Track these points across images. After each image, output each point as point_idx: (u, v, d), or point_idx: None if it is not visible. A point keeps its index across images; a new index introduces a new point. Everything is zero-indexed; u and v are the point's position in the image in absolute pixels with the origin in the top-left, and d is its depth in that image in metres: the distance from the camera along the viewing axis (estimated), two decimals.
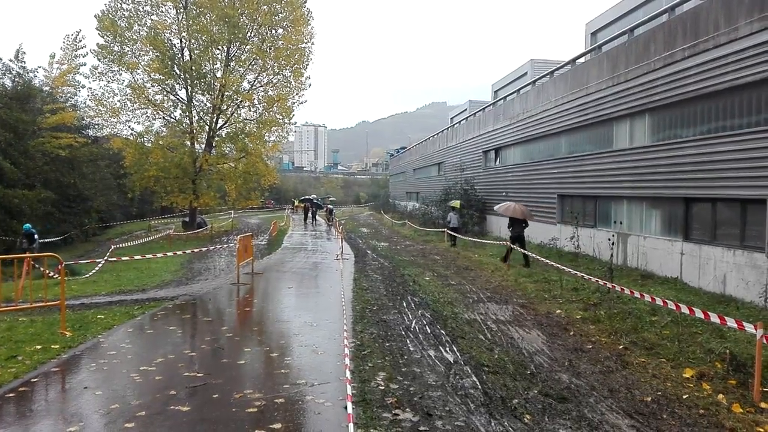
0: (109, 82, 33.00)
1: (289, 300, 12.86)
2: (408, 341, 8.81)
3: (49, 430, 5.34)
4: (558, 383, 7.03)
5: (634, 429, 5.70)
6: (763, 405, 6.22)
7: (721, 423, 5.83)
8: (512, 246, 18.07)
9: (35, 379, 6.79)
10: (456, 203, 27.52)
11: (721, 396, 6.54)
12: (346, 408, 5.71)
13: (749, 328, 6.81)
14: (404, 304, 11.90)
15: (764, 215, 11.72)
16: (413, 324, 10.01)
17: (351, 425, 4.53)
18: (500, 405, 6.19)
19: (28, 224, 20.46)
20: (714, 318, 7.57)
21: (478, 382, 6.91)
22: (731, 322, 7.27)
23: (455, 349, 8.44)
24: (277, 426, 5.37)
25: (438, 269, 17.55)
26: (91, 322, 9.86)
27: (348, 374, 6.27)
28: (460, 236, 25.43)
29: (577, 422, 5.80)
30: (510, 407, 6.13)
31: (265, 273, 16.95)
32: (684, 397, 6.57)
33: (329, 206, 48.27)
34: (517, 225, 18.88)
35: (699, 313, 7.98)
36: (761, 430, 5.65)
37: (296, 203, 59.81)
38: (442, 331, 9.51)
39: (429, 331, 9.55)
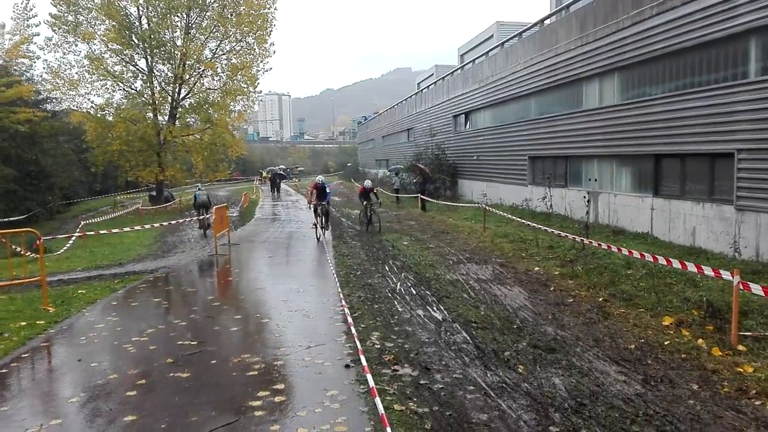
0: (65, 53, 31.75)
1: (271, 268, 12.85)
2: (396, 302, 8.95)
3: (49, 402, 5.32)
4: (545, 335, 7.26)
5: (622, 374, 5.94)
6: (740, 347, 6.52)
7: (703, 365, 6.11)
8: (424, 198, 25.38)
9: (26, 355, 6.71)
10: (389, 173, 35.18)
11: (700, 341, 6.84)
12: (346, 366, 5.83)
13: (726, 275, 7.09)
14: (386, 268, 12.02)
15: (732, 168, 12.11)
16: (398, 286, 10.15)
17: (369, 377, 4.64)
18: (493, 357, 6.38)
19: None
20: (691, 267, 7.86)
21: (468, 338, 7.09)
22: (708, 271, 7.57)
23: (442, 308, 8.61)
24: (281, 386, 5.45)
25: (415, 234, 17.69)
26: (73, 297, 9.72)
27: (354, 331, 6.35)
28: (402, 195, 30.32)
29: (567, 370, 6.03)
30: (503, 359, 6.33)
31: (241, 243, 16.86)
32: (665, 343, 6.85)
33: (321, 180, 18.22)
34: (425, 182, 27.11)
35: (676, 264, 8.27)
36: (741, 370, 5.94)
37: (264, 174, 59.17)
38: (428, 292, 9.67)
39: (414, 292, 9.70)
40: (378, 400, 4.46)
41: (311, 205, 17.93)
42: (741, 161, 11.93)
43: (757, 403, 5.20)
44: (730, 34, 12.01)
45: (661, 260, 8.77)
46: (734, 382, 5.65)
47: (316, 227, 17.29)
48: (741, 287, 6.80)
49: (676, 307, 8.27)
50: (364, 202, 19.22)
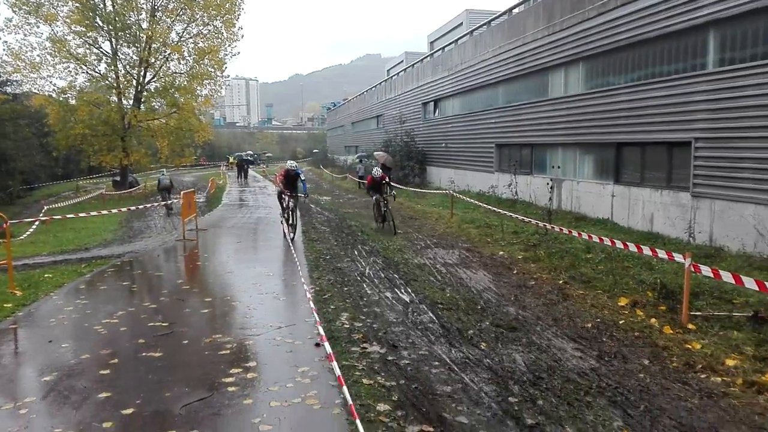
0: (26, 35, 30.98)
1: (240, 253, 12.90)
2: (365, 285, 9.15)
3: (22, 381, 5.38)
4: (507, 315, 7.57)
5: (578, 351, 6.26)
6: (690, 326, 6.91)
7: (655, 343, 6.48)
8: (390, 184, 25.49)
9: None
10: (355, 158, 37.75)
11: (653, 320, 7.22)
12: (317, 345, 6.02)
13: (679, 258, 7.47)
14: (355, 252, 12.20)
15: (689, 157, 12.60)
16: (367, 270, 10.35)
17: (327, 344, 4.81)
18: (458, 336, 6.65)
19: None
20: (647, 251, 8.26)
21: (434, 318, 7.35)
22: (662, 254, 7.95)
23: (409, 290, 8.85)
24: (253, 364, 5.61)
25: None
26: (40, 281, 9.65)
27: (315, 310, 6.49)
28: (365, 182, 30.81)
29: (527, 347, 6.33)
30: (466, 337, 6.60)
31: (210, 229, 16.81)
32: (620, 322, 7.22)
33: (293, 166, 14.51)
34: (385, 170, 25.00)
35: (633, 248, 8.65)
36: (689, 346, 6.31)
37: (231, 160, 58.72)
38: (395, 275, 9.89)
39: (383, 275, 9.91)
40: (335, 364, 4.70)
41: (280, 193, 14.38)
42: (698, 150, 12.42)
43: (703, 376, 5.56)
44: (691, 26, 12.44)
45: (619, 244, 9.16)
46: (683, 357, 6.02)
47: (284, 223, 14.27)
48: (692, 270, 7.18)
49: (632, 288, 8.66)
50: (375, 196, 15.99)
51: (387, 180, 15.92)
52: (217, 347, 6.12)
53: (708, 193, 12.21)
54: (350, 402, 3.87)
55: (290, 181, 14.14)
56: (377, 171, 16.01)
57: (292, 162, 15.45)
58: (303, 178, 14.45)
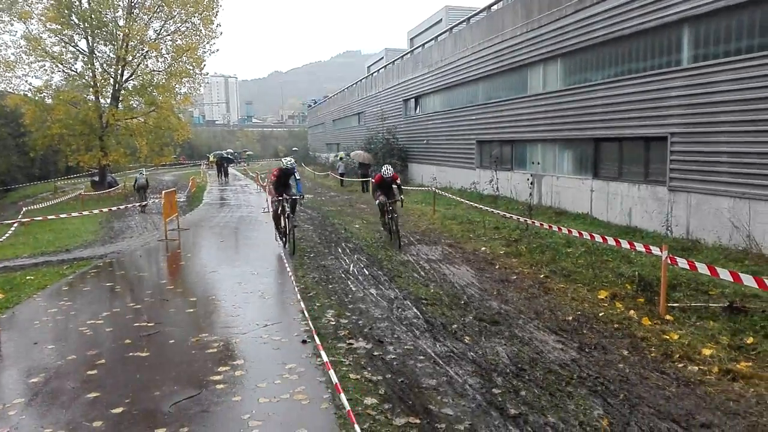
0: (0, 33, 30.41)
1: (224, 252, 12.90)
2: (349, 282, 9.24)
3: (9, 383, 5.37)
4: (490, 309, 7.69)
5: (560, 343, 6.40)
6: (668, 317, 7.09)
7: (634, 334, 6.64)
8: (364, 180, 25.76)
9: None
10: (341, 154, 36.50)
11: (632, 312, 7.39)
12: (303, 342, 6.09)
13: (656, 251, 7.65)
14: (339, 250, 12.26)
15: (665, 151, 12.86)
16: (351, 267, 10.43)
17: (324, 356, 4.88)
18: (442, 330, 6.76)
19: None
20: (625, 244, 8.43)
21: (419, 313, 7.46)
22: (640, 247, 8.13)
23: (394, 286, 8.95)
24: (240, 362, 5.67)
25: (366, 217, 17.97)
26: (22, 283, 9.59)
27: (303, 307, 6.55)
28: (346, 179, 31.98)
29: (510, 340, 6.46)
30: (450, 331, 6.72)
31: (191, 228, 16.74)
32: (600, 314, 7.37)
33: (290, 164, 12.24)
34: (364, 167, 27.69)
35: (611, 242, 8.84)
36: (667, 337, 6.48)
37: (211, 159, 58.38)
38: (380, 272, 9.98)
39: (367, 272, 10.00)
40: (332, 372, 4.75)
41: (273, 202, 12.55)
42: (674, 144, 12.67)
43: (680, 365, 5.72)
44: (665, 23, 12.66)
45: (598, 238, 9.34)
46: (660, 347, 6.18)
47: (277, 231, 12.40)
48: (669, 262, 7.36)
49: (611, 281, 8.83)
50: (378, 200, 12.91)
51: (398, 182, 13.19)
52: (204, 346, 6.17)
53: (684, 187, 12.47)
54: (347, 408, 3.93)
55: (282, 181, 12.29)
56: (388, 169, 13.00)
57: (287, 158, 12.77)
58: (298, 177, 12.57)
